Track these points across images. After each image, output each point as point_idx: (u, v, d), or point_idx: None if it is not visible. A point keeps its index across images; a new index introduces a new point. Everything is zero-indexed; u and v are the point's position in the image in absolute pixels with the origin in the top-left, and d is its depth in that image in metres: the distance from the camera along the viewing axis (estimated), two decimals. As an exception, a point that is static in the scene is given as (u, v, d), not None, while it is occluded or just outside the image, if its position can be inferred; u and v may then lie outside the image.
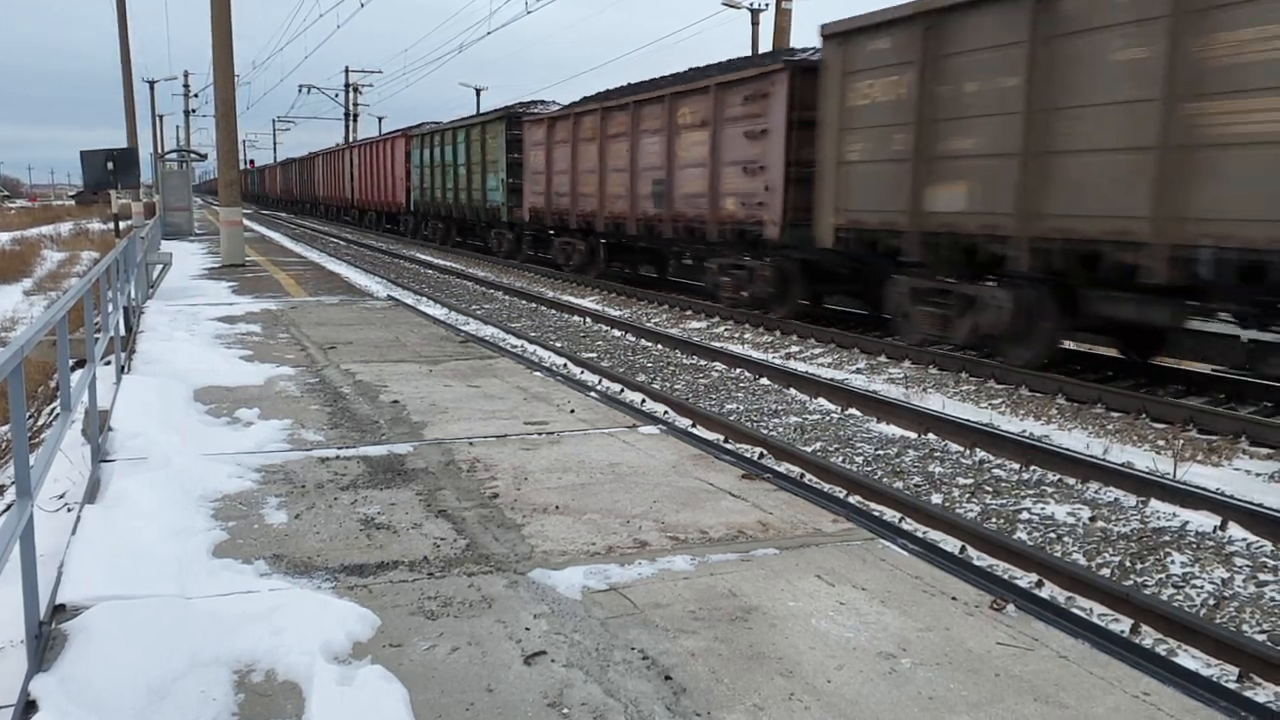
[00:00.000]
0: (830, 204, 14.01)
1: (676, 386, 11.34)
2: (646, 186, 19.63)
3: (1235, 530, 6.45)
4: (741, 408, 10.22)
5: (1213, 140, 8.89)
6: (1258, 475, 7.78)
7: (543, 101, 28.08)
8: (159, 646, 3.32)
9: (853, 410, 10.02)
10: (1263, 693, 4.47)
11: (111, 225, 34.07)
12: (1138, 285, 9.84)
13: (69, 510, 5.93)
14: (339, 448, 6.16)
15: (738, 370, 12.17)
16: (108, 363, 8.68)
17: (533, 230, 26.75)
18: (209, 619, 3.59)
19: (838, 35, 13.65)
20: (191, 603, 3.73)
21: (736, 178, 16.62)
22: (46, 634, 3.43)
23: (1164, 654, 4.77)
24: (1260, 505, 6.77)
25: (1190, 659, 4.76)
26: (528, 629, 3.63)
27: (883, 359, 12.75)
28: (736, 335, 15.21)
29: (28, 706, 2.97)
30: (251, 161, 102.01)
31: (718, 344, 14.10)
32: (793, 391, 10.98)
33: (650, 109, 19.41)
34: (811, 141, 14.49)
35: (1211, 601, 5.48)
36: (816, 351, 13.59)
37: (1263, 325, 9.67)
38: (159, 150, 57.70)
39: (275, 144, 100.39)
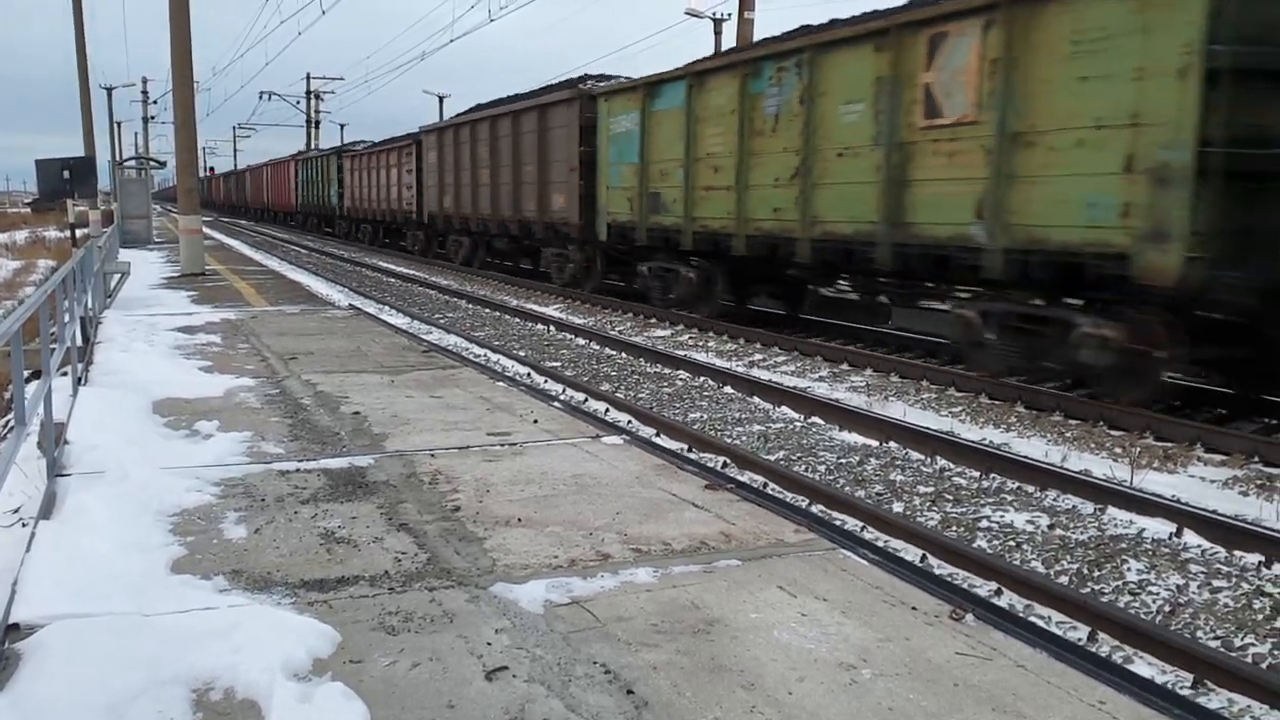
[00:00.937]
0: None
1: (640, 395, 11.35)
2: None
3: (1190, 537, 6.54)
4: (705, 416, 10.25)
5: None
6: (1212, 482, 7.90)
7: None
8: (116, 665, 3.28)
9: (815, 418, 10.07)
10: (1216, 699, 4.54)
11: (68, 234, 33.62)
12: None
13: (24, 525, 5.84)
14: (299, 460, 6.12)
15: (701, 378, 12.20)
16: (64, 374, 8.56)
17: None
18: (167, 636, 3.55)
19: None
20: (149, 620, 3.69)
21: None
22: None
23: (1120, 662, 4.83)
24: (1214, 512, 6.87)
25: (1146, 666, 4.82)
26: (489, 644, 3.62)
27: (845, 367, 12.84)
28: (700, 343, 15.25)
29: (-20, 729, 2.93)
30: (211, 169, 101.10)
31: (681, 352, 14.13)
32: (756, 400, 11.03)
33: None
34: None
35: (1167, 608, 5.55)
36: (780, 359, 13.66)
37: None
38: (117, 158, 57.07)
39: (236, 151, 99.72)
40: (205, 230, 25.58)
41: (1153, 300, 9.47)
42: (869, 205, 12.60)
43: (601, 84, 20.34)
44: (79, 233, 31.81)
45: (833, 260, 13.74)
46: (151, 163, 37.86)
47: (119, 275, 17.79)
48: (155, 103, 71.45)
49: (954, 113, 11.29)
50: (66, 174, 29.06)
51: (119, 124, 73.72)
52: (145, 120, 71.40)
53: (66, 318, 8.74)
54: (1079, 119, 9.81)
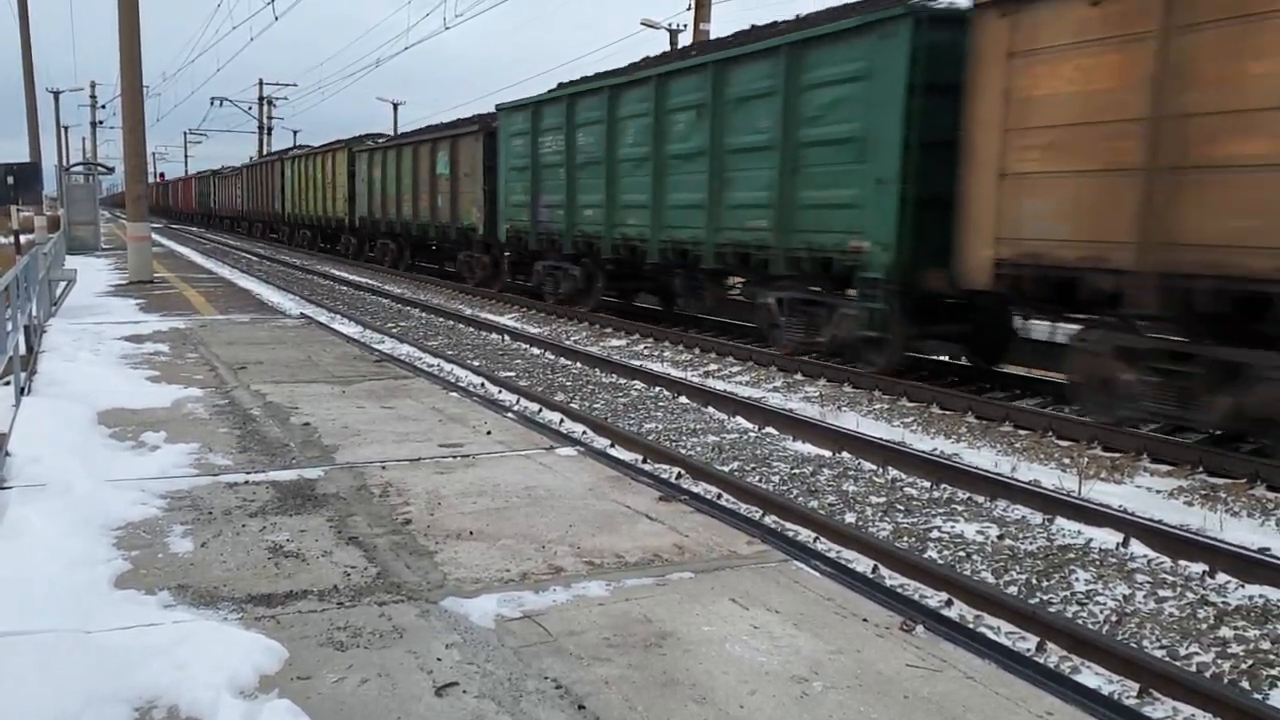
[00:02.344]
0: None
1: (595, 405, 11.33)
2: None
3: (1137, 547, 6.64)
4: (660, 427, 10.25)
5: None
6: (1158, 492, 8.02)
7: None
8: (54, 684, 3.21)
9: (770, 429, 10.11)
10: (1161, 708, 4.60)
11: (12, 240, 33.01)
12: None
13: (-38, 539, 5.71)
14: (248, 472, 6.04)
15: (657, 388, 12.20)
16: (6, 384, 8.40)
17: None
18: (109, 654, 3.48)
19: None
20: (91, 637, 3.62)
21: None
22: (-66, 673, 3.30)
23: (1068, 672, 4.89)
24: (1160, 522, 6.98)
25: (1093, 676, 4.87)
26: (439, 659, 3.59)
27: (799, 377, 12.90)
28: (655, 353, 15.26)
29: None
30: (161, 175, 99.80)
31: (636, 362, 14.13)
32: (711, 410, 11.05)
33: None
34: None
35: (1114, 618, 5.62)
36: (735, 369, 13.70)
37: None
38: (64, 163, 56.18)
39: (187, 157, 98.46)
40: (155, 237, 25.24)
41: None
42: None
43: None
44: (24, 239, 31.25)
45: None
46: (99, 168, 37.26)
47: (65, 283, 17.53)
48: (104, 107, 70.49)
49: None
50: (10, 179, 28.55)
51: (66, 129, 72.65)
52: (94, 125, 70.46)
53: (9, 326, 8.57)
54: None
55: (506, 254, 23.48)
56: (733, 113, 14.59)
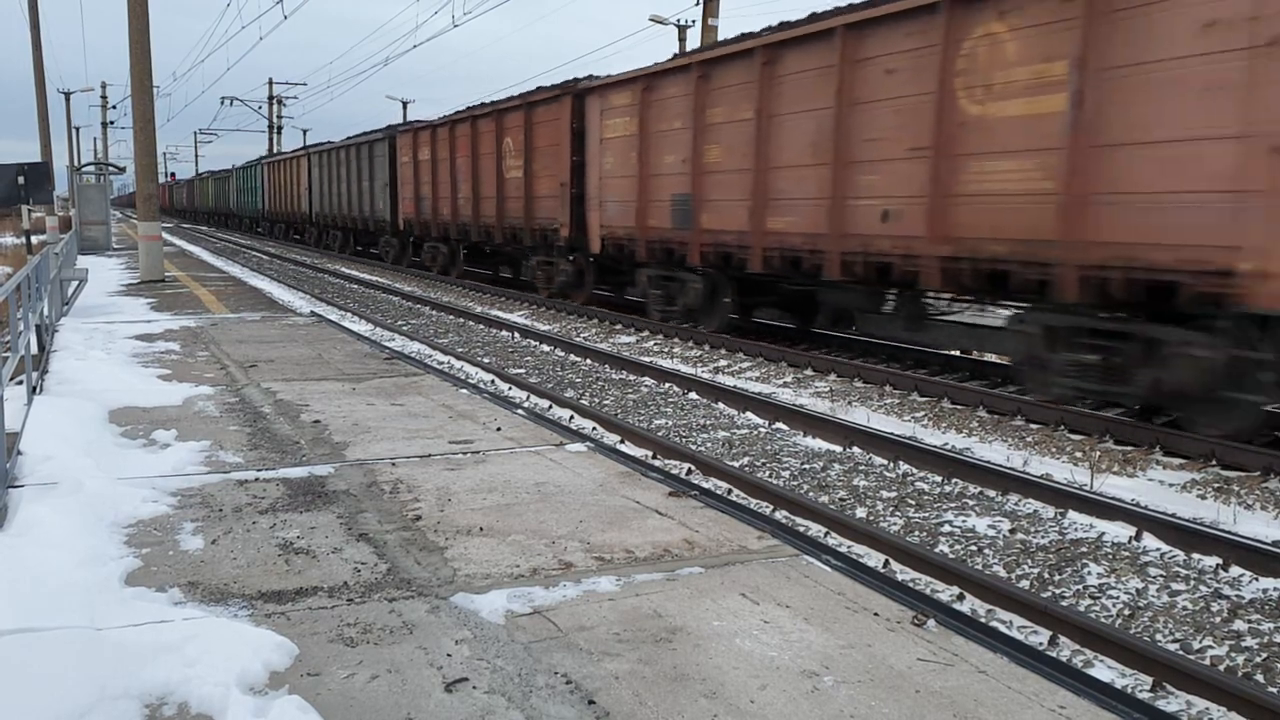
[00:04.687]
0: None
1: (605, 402, 11.32)
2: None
3: (1150, 540, 6.60)
4: (670, 423, 10.23)
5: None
6: (1171, 485, 7.98)
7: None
8: (65, 681, 3.21)
9: (780, 424, 10.09)
10: (1174, 702, 4.57)
11: (23, 240, 33.14)
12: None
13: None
14: (258, 470, 6.05)
15: (667, 385, 12.19)
16: (18, 383, 8.43)
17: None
18: (119, 651, 3.48)
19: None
20: (101, 634, 3.62)
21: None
22: (-54, 671, 3.31)
23: (1080, 666, 4.86)
24: (1173, 515, 6.95)
25: (1106, 670, 4.85)
26: (449, 655, 3.59)
27: (809, 372, 12.87)
28: (666, 349, 15.24)
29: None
30: (173, 175, 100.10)
31: (647, 358, 14.12)
32: (721, 406, 11.03)
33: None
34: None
35: (1127, 612, 5.59)
36: (744, 365, 13.67)
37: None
38: (75, 163, 56.35)
39: (197, 156, 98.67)
40: (165, 236, 25.29)
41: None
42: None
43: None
44: (35, 239, 31.39)
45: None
46: (110, 168, 37.36)
47: (76, 282, 17.58)
48: (115, 108, 70.74)
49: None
50: (22, 180, 28.65)
51: (77, 129, 72.99)
52: (104, 125, 70.63)
53: (21, 326, 8.59)
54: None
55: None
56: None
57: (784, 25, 13.92)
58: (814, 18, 13.20)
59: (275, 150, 62.74)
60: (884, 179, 11.91)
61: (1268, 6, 7.89)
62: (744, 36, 14.74)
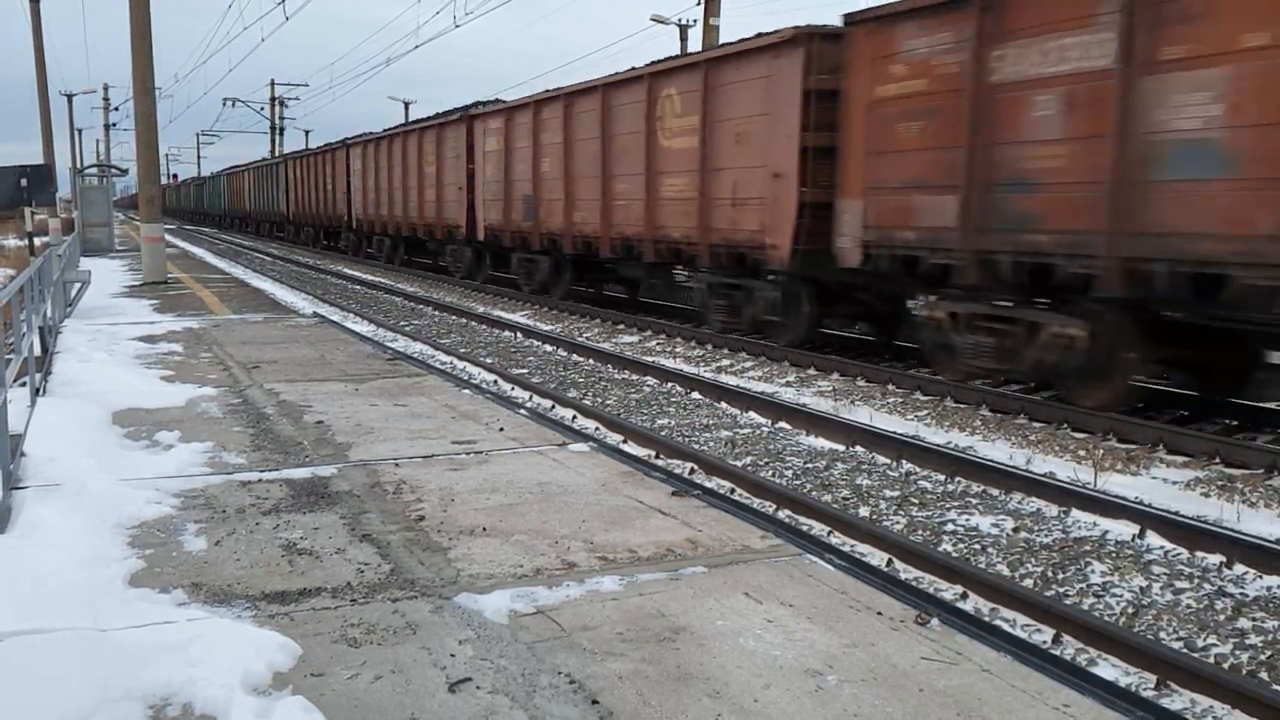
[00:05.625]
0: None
1: (608, 402, 11.32)
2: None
3: (1153, 539, 6.60)
4: (673, 423, 10.23)
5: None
6: (1174, 483, 7.97)
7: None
8: (69, 682, 3.22)
9: (783, 423, 10.08)
10: (1179, 700, 4.57)
11: (26, 242, 33.17)
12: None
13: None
14: (261, 471, 6.05)
15: (669, 384, 12.19)
16: (22, 384, 8.43)
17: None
18: (123, 652, 3.49)
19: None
20: (105, 635, 3.62)
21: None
22: (-50, 672, 3.31)
23: (1084, 664, 4.86)
24: (1177, 514, 6.94)
25: (1110, 668, 4.84)
26: (453, 655, 3.59)
27: (812, 371, 12.87)
28: (668, 349, 15.24)
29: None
30: (174, 176, 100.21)
31: (649, 358, 14.11)
32: (724, 405, 11.03)
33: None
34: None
35: (1131, 610, 5.59)
36: (747, 365, 13.67)
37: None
38: (77, 165, 56.41)
39: (199, 158, 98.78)
40: (168, 238, 25.33)
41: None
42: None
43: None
44: (38, 241, 31.40)
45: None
46: (113, 170, 37.39)
47: (79, 284, 17.60)
48: (117, 109, 70.86)
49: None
50: (24, 182, 28.68)
51: (80, 131, 72.97)
52: (106, 127, 70.77)
53: (24, 328, 8.60)
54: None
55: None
56: None
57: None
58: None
59: (274, 153, 62.84)
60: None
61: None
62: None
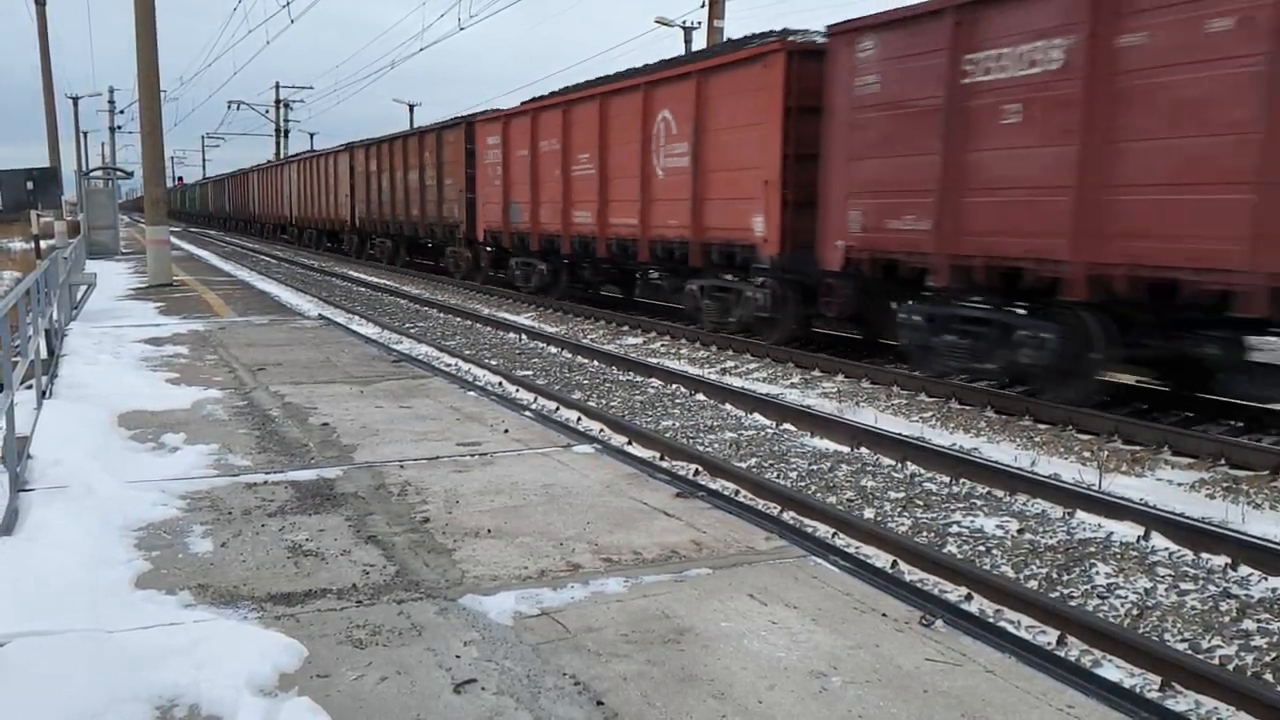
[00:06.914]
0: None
1: (612, 404, 11.33)
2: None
3: (1158, 540, 6.59)
4: (677, 424, 10.24)
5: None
6: (1179, 485, 7.96)
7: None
8: (75, 684, 3.23)
9: (787, 425, 10.08)
10: (1183, 701, 4.56)
11: (33, 245, 33.26)
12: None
13: (-15, 541, 5.75)
14: (267, 473, 6.07)
15: (674, 386, 12.19)
16: (28, 387, 8.45)
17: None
18: (129, 653, 3.50)
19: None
20: (111, 637, 3.64)
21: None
22: (-42, 673, 3.32)
23: (1089, 665, 4.86)
24: (1182, 515, 6.93)
25: (1114, 669, 4.84)
26: (458, 656, 3.60)
27: (817, 373, 12.87)
28: (673, 350, 15.25)
29: (-63, 750, 2.87)
30: (180, 179, 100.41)
31: (654, 360, 14.12)
32: (728, 407, 11.03)
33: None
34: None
35: (1135, 611, 5.58)
36: (752, 366, 13.68)
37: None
38: (83, 168, 56.57)
39: (204, 161, 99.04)
40: (173, 240, 25.40)
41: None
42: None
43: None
44: (44, 244, 31.49)
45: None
46: (118, 173, 37.48)
47: (85, 287, 17.62)
48: (122, 112, 70.82)
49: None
50: (30, 185, 28.77)
51: (85, 134, 73.18)
52: (112, 130, 70.87)
53: (30, 330, 8.63)
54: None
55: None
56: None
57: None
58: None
59: (278, 156, 62.95)
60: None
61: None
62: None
